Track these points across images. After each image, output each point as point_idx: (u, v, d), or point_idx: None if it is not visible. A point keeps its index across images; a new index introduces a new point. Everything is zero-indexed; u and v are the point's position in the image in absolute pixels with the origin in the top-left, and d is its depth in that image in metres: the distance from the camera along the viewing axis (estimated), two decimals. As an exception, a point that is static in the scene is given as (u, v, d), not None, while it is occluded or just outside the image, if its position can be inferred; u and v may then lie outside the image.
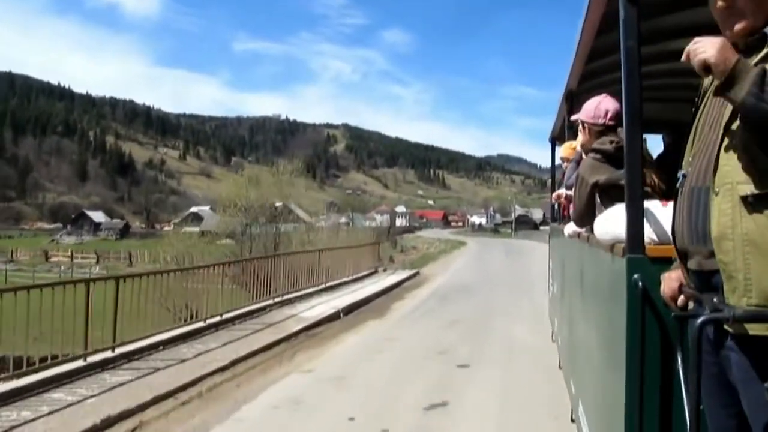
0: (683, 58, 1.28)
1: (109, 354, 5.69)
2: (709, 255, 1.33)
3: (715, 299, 1.31)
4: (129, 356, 5.84)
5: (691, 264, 1.44)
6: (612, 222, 2.06)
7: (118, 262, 42.55)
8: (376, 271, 15.47)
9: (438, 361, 6.20)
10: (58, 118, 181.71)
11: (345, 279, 13.30)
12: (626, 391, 1.72)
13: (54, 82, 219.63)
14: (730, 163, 1.28)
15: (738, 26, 1.33)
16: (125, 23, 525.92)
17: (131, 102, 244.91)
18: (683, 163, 1.51)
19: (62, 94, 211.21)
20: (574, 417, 3.39)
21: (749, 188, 1.22)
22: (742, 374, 1.27)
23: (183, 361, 5.84)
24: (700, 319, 1.25)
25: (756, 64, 1.26)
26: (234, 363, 5.89)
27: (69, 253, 47.39)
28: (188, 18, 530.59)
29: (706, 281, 1.38)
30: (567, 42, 3.26)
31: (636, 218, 1.74)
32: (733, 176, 1.27)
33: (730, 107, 1.30)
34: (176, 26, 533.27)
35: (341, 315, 8.96)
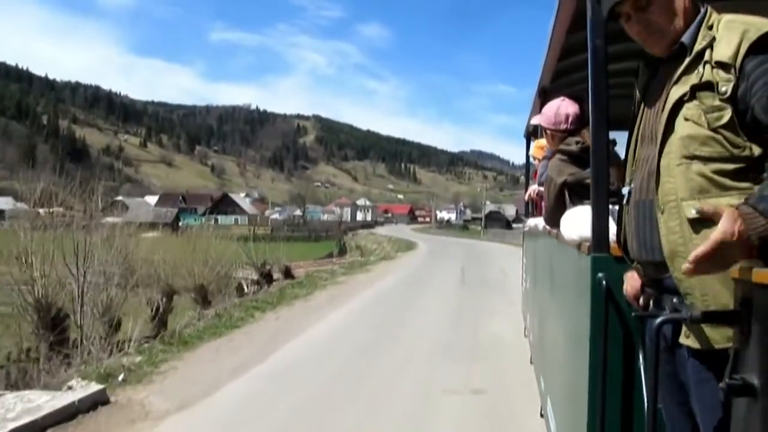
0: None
1: None
2: (661, 265, 1.35)
3: (674, 299, 1.35)
4: None
5: (646, 272, 1.48)
6: (578, 221, 2.07)
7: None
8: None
9: None
10: (12, 100, 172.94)
11: None
12: (589, 388, 1.74)
13: (11, 63, 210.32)
14: (671, 180, 1.30)
15: (664, 43, 1.39)
16: (99, 9, 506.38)
17: (95, 87, 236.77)
18: (626, 176, 1.54)
19: (20, 75, 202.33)
20: (543, 412, 3.44)
21: (694, 205, 1.22)
22: (694, 375, 1.30)
23: None
24: (658, 320, 1.28)
25: (681, 75, 1.31)
26: None
27: None
28: (166, 6, 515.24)
29: (661, 284, 1.42)
30: (542, 40, 3.25)
31: (601, 217, 1.75)
32: (676, 193, 1.28)
33: (663, 121, 1.33)
34: (153, 14, 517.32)
35: None
